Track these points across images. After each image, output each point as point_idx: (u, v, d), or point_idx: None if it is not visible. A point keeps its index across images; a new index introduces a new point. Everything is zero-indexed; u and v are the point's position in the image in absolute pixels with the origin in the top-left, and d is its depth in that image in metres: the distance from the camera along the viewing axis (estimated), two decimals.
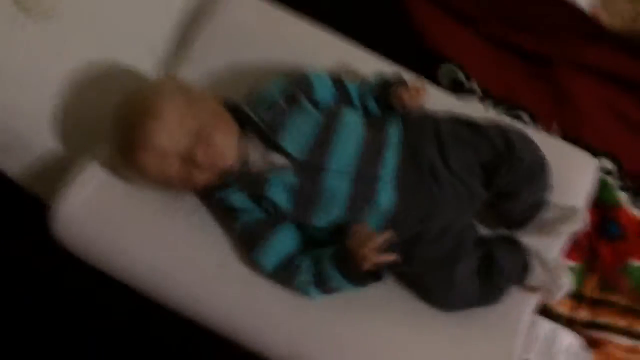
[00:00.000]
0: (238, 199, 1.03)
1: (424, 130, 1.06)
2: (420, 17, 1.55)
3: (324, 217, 1.02)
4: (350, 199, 1.01)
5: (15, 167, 1.22)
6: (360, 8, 1.56)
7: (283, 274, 1.03)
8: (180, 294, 1.09)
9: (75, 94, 1.15)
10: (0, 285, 1.48)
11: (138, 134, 0.99)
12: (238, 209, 1.04)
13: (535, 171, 1.07)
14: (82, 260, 1.12)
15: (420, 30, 1.54)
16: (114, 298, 1.31)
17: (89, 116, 1.16)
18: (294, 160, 1.01)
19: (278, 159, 1.02)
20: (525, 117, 1.45)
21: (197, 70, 1.22)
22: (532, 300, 1.12)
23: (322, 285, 1.01)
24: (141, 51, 1.25)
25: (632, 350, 1.27)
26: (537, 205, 1.09)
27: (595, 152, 1.35)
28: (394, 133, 1.06)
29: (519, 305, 1.10)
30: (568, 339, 1.16)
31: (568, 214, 1.09)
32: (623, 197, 1.40)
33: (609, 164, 1.43)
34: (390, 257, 0.98)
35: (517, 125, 1.14)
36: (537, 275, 1.08)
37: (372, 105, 1.12)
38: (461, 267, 1.03)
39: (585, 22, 1.60)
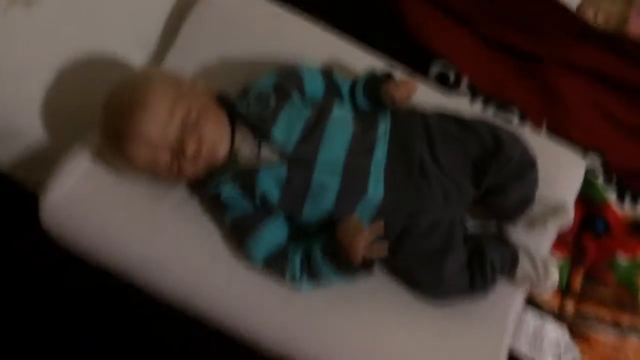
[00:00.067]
0: (229, 191, 1.03)
1: (414, 125, 1.07)
2: (412, 13, 1.55)
3: (314, 210, 1.02)
4: (340, 192, 1.01)
5: (4, 157, 1.21)
6: (352, 3, 1.56)
7: (274, 266, 1.03)
8: (170, 283, 1.08)
9: (64, 84, 1.14)
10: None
11: (127, 125, 0.99)
12: (228, 201, 1.04)
13: (524, 168, 1.07)
14: (81, 258, 1.12)
15: (413, 26, 1.54)
16: (114, 297, 1.32)
17: (77, 106, 1.15)
18: (284, 154, 1.01)
19: (268, 152, 1.02)
20: (515, 114, 1.46)
21: (185, 60, 1.22)
22: (521, 293, 1.13)
23: (313, 277, 1.02)
24: (130, 41, 1.24)
25: (617, 343, 1.28)
26: (526, 201, 1.10)
27: (582, 150, 1.37)
28: (383, 128, 1.06)
29: (508, 298, 1.11)
30: (556, 332, 1.17)
31: (556, 209, 1.10)
32: (609, 194, 1.41)
33: (595, 161, 1.44)
34: (380, 250, 0.99)
35: (507, 122, 1.14)
36: (525, 269, 1.09)
37: (362, 100, 1.12)
38: (450, 261, 1.04)
39: (573, 21, 1.61)
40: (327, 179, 1.01)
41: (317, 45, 1.23)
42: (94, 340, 1.42)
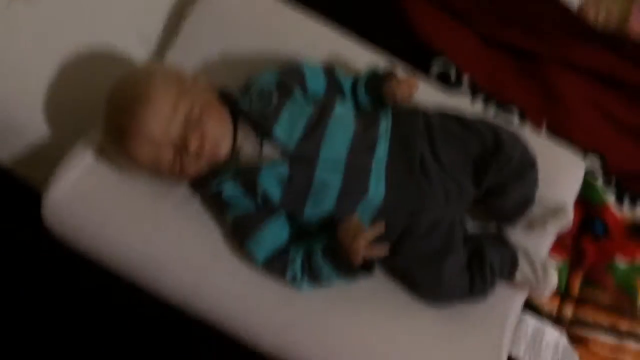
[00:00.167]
0: (230, 189, 1.03)
1: (415, 124, 1.06)
2: (414, 12, 1.54)
3: (315, 208, 1.02)
4: (341, 191, 1.01)
5: (6, 153, 1.21)
6: (355, 3, 1.55)
7: (274, 266, 1.03)
8: (170, 283, 1.08)
9: (66, 80, 1.13)
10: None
11: (129, 122, 0.98)
12: (230, 199, 1.04)
13: (524, 168, 1.07)
14: (83, 256, 1.11)
15: (414, 24, 1.53)
16: (115, 295, 1.31)
17: (80, 102, 1.15)
18: (286, 152, 1.01)
19: (270, 150, 1.02)
20: (515, 114, 1.46)
21: (186, 56, 1.21)
22: (520, 297, 1.13)
23: (313, 277, 1.02)
24: (132, 36, 1.23)
25: (616, 347, 1.28)
26: (526, 202, 1.10)
27: (582, 151, 1.37)
28: (384, 126, 1.05)
29: (507, 301, 1.11)
30: (554, 336, 1.17)
31: (556, 211, 1.10)
32: (608, 195, 1.41)
33: (595, 163, 1.44)
34: (381, 251, 0.98)
35: (507, 122, 1.14)
36: (524, 272, 1.09)
37: (364, 97, 1.12)
38: (450, 262, 1.03)
39: (573, 20, 1.61)
40: (329, 177, 1.00)
41: (319, 42, 1.22)
42: (93, 339, 1.43)
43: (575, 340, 1.27)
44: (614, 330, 1.30)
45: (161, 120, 0.98)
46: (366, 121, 1.06)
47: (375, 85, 1.10)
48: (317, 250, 1.00)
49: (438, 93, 1.24)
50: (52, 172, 1.09)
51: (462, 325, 1.08)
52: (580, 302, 1.32)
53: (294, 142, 1.01)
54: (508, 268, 1.09)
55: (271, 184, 1.01)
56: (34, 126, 1.15)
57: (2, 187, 1.32)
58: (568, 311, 1.31)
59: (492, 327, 1.09)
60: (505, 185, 1.06)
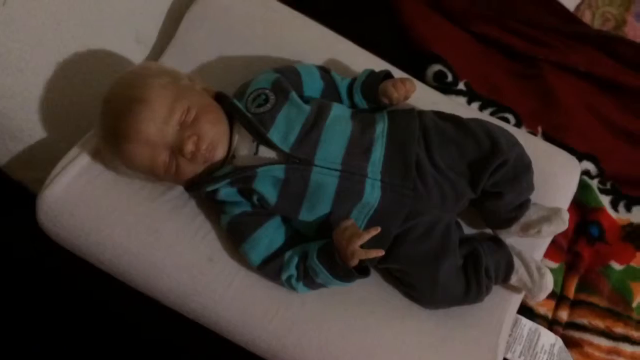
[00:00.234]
0: (226, 192, 1.02)
1: (411, 126, 1.06)
2: (410, 15, 1.55)
3: (311, 211, 1.02)
4: (337, 194, 1.00)
5: (1, 154, 1.20)
6: (351, 5, 1.55)
7: (270, 268, 1.03)
8: (165, 285, 1.08)
9: (63, 81, 1.13)
10: None
11: (125, 123, 0.98)
12: (226, 202, 1.04)
13: (520, 172, 1.07)
14: (77, 258, 1.11)
15: (410, 28, 1.54)
16: (108, 298, 1.32)
17: (75, 104, 1.15)
18: (282, 154, 1.01)
19: (266, 152, 1.01)
20: (511, 118, 1.46)
21: (182, 58, 1.21)
22: (515, 300, 1.13)
23: (309, 280, 1.02)
24: (128, 38, 1.23)
25: (611, 351, 1.28)
26: (521, 205, 1.10)
27: (577, 154, 1.37)
28: (381, 129, 1.05)
29: (503, 304, 1.11)
30: (550, 339, 1.17)
31: (551, 214, 1.10)
32: (604, 199, 1.42)
33: (590, 166, 1.44)
34: (377, 253, 0.98)
35: (503, 125, 1.14)
36: (520, 275, 1.09)
37: (360, 100, 1.12)
38: (446, 264, 1.03)
39: (570, 23, 1.61)
40: (324, 179, 1.00)
41: (315, 45, 1.23)
42: (89, 341, 1.42)
43: (571, 343, 1.27)
44: (609, 333, 1.30)
45: (157, 123, 0.97)
46: (362, 123, 1.06)
47: (372, 87, 1.10)
48: (312, 253, 1.00)
49: (434, 96, 1.24)
50: (46, 174, 1.09)
51: (457, 328, 1.08)
52: (575, 305, 1.33)
53: (289, 145, 1.01)
54: (504, 271, 1.09)
55: (267, 187, 1.00)
56: (30, 127, 1.15)
57: None
58: (563, 314, 1.31)
59: (487, 329, 1.09)
60: (500, 188, 1.06)
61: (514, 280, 1.09)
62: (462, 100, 1.46)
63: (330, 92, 1.12)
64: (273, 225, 1.03)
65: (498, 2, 1.61)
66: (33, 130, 1.16)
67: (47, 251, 1.14)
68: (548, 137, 1.43)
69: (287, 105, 1.04)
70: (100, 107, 1.02)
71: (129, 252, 1.07)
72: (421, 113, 1.09)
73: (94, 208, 1.09)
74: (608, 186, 1.44)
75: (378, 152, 1.02)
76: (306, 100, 1.08)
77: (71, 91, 1.15)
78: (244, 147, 1.03)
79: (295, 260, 1.01)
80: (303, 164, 1.00)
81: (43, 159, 1.13)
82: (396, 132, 1.05)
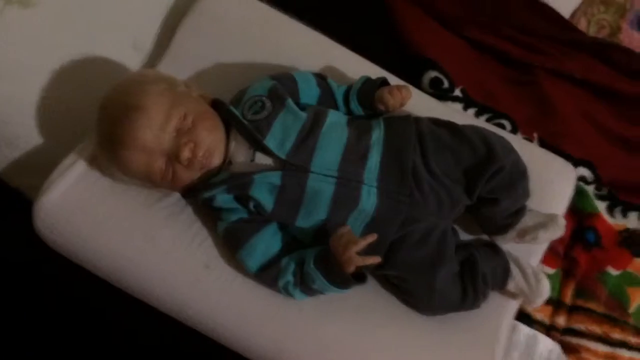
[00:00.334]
0: (223, 199, 1.02)
1: (407, 133, 1.06)
2: (405, 21, 1.55)
3: (308, 218, 1.02)
4: (333, 201, 1.00)
5: None
6: (347, 10, 1.56)
7: (267, 275, 1.03)
8: (162, 292, 1.08)
9: (59, 88, 1.13)
10: None
11: (122, 130, 0.98)
12: (223, 209, 1.04)
13: (516, 178, 1.07)
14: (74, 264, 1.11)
15: (406, 34, 1.54)
16: (109, 303, 1.30)
17: (72, 111, 1.15)
18: (279, 161, 1.01)
19: (263, 159, 1.02)
20: (507, 124, 1.46)
21: (179, 65, 1.21)
22: (513, 306, 1.13)
23: (306, 287, 1.01)
24: (126, 45, 1.24)
25: (608, 356, 1.28)
26: (517, 212, 1.10)
27: (573, 161, 1.37)
28: (377, 136, 1.05)
29: (500, 310, 1.11)
30: (547, 345, 1.17)
31: (548, 221, 1.10)
32: (600, 205, 1.42)
33: (586, 173, 1.44)
34: (374, 260, 0.98)
35: (499, 132, 1.14)
36: (517, 281, 1.09)
37: (356, 107, 1.12)
38: (442, 271, 1.03)
39: (565, 30, 1.62)
40: (321, 186, 1.00)
41: (312, 52, 1.23)
42: (89, 347, 1.42)
43: (568, 349, 1.27)
44: (606, 339, 1.30)
45: (154, 129, 0.98)
46: (358, 130, 1.06)
47: (368, 94, 1.10)
48: (309, 259, 0.99)
49: (430, 103, 1.24)
50: (43, 180, 1.09)
51: (454, 334, 1.08)
52: (572, 310, 1.32)
53: (286, 151, 1.01)
54: (500, 277, 1.09)
55: (263, 194, 1.00)
56: (27, 134, 1.15)
57: None
58: (561, 320, 1.31)
59: (485, 336, 1.09)
60: (496, 194, 1.06)
61: (510, 286, 1.09)
62: (458, 106, 1.47)
63: (327, 99, 1.12)
64: (270, 232, 1.03)
65: (492, 8, 1.61)
66: (29, 137, 1.16)
67: (44, 258, 1.14)
68: (544, 144, 1.43)
69: (283, 112, 1.04)
70: (96, 113, 1.03)
71: (125, 259, 1.07)
72: (417, 120, 1.09)
73: (90, 215, 1.09)
74: (604, 192, 1.44)
75: (374, 159, 1.03)
76: (302, 107, 1.08)
77: (68, 98, 1.15)
78: (241, 153, 1.03)
79: (292, 266, 1.01)
80: (299, 170, 1.00)
81: (39, 166, 1.12)
82: (392, 138, 1.05)
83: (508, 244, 1.13)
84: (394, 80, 1.19)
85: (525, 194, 1.10)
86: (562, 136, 1.46)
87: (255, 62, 1.21)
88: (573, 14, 1.67)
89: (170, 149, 0.99)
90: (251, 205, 1.02)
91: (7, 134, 1.14)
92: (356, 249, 0.95)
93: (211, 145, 1.01)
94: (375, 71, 1.21)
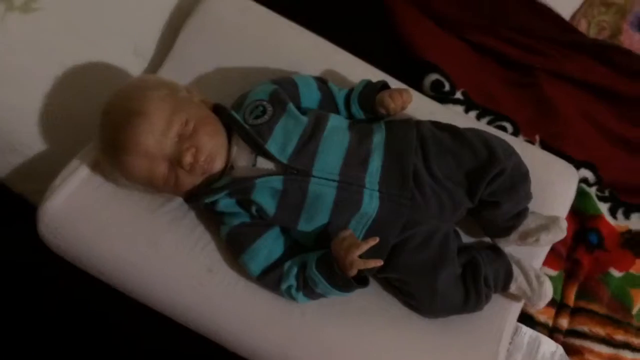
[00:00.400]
0: (225, 203, 1.03)
1: (408, 136, 1.06)
2: (405, 24, 1.55)
3: (310, 222, 1.02)
4: (335, 205, 1.00)
5: (1, 166, 1.20)
6: (348, 14, 1.56)
7: (270, 279, 1.03)
8: (165, 296, 1.08)
9: (61, 93, 1.14)
10: None
11: (124, 136, 0.98)
12: (225, 213, 1.04)
13: (517, 181, 1.07)
14: (77, 268, 1.11)
15: (406, 37, 1.54)
16: (112, 307, 1.31)
17: (76, 116, 1.15)
18: (280, 165, 1.01)
19: (265, 163, 1.02)
20: (509, 126, 1.46)
21: (181, 70, 1.21)
22: (515, 308, 1.13)
23: (308, 290, 1.01)
24: (127, 50, 1.24)
25: (612, 358, 1.28)
26: (519, 214, 1.10)
27: (575, 162, 1.37)
28: (378, 139, 1.05)
29: (502, 312, 1.11)
30: (550, 347, 1.17)
31: (550, 223, 1.10)
32: (602, 206, 1.41)
33: (588, 174, 1.44)
34: (376, 264, 0.98)
35: (500, 134, 1.15)
36: (519, 284, 1.09)
37: (357, 111, 1.12)
38: (445, 273, 1.03)
39: (566, 31, 1.62)
40: (322, 190, 1.00)
41: (311, 55, 1.23)
42: (92, 351, 1.42)
43: (572, 350, 1.27)
44: (609, 341, 1.29)
45: (156, 135, 0.98)
46: (360, 134, 1.06)
47: (369, 98, 1.10)
48: (311, 263, 1.00)
49: (431, 106, 1.24)
50: (46, 186, 1.09)
51: (457, 337, 1.08)
52: (575, 312, 1.32)
53: (287, 156, 1.01)
54: (503, 280, 1.09)
55: (265, 198, 1.01)
56: (30, 140, 1.15)
57: None
58: (564, 322, 1.31)
59: (488, 338, 1.09)
60: (498, 197, 1.06)
61: (513, 288, 1.09)
62: (460, 109, 1.47)
63: (328, 103, 1.12)
64: (272, 236, 1.04)
65: (491, 10, 1.61)
66: (33, 143, 1.16)
67: (45, 261, 1.15)
68: (545, 146, 1.43)
69: (284, 117, 1.05)
70: (99, 119, 1.03)
71: (129, 264, 1.07)
72: (419, 123, 1.09)
73: (94, 220, 1.09)
74: (606, 193, 1.44)
75: (376, 163, 1.03)
76: (304, 111, 1.08)
77: (70, 103, 1.15)
78: (242, 158, 1.03)
79: (295, 270, 1.01)
80: (301, 174, 1.00)
81: (43, 172, 1.13)
82: (393, 142, 1.05)
83: (510, 246, 1.13)
84: (394, 83, 1.19)
85: (527, 196, 1.10)
86: (563, 138, 1.46)
87: (256, 67, 1.21)
88: (573, 16, 1.67)
89: (172, 154, 0.99)
90: (253, 209, 1.02)
91: (9, 140, 1.15)
92: (358, 252, 0.95)
93: (213, 150, 1.01)
94: (376, 74, 1.21)
